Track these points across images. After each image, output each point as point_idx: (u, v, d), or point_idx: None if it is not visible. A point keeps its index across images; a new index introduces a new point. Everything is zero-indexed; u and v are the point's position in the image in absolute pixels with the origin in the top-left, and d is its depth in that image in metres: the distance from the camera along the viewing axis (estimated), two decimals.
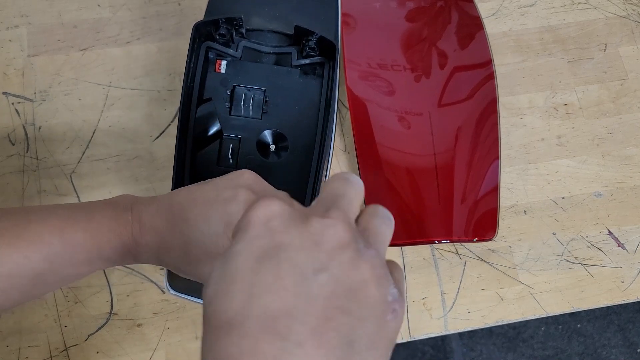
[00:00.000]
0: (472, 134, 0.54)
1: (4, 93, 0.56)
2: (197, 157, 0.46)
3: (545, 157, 0.57)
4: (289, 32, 0.48)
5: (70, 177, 0.54)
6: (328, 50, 0.47)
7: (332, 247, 0.24)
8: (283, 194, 0.30)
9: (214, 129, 0.45)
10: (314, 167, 0.45)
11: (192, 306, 0.50)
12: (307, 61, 0.48)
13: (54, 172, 0.54)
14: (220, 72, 0.47)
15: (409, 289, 0.52)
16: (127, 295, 0.50)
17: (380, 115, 0.54)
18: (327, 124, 0.45)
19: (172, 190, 0.43)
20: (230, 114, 0.47)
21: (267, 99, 0.47)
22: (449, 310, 0.52)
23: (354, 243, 0.24)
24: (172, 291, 0.44)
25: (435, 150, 0.53)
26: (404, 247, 0.53)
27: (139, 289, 0.51)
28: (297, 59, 0.48)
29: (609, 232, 0.55)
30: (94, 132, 0.55)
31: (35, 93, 0.56)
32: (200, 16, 0.48)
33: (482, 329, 1.08)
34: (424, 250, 0.53)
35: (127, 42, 0.58)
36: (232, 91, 0.47)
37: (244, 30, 0.48)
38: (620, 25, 0.62)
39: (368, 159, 0.52)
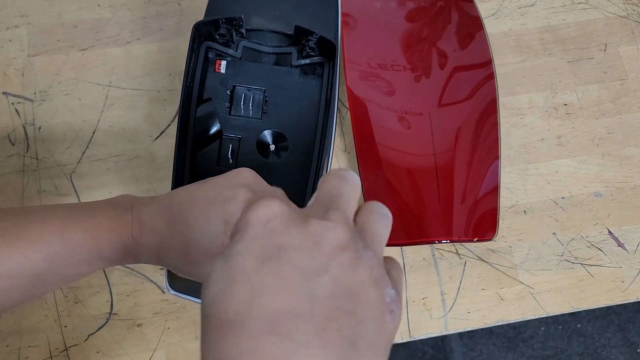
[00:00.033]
0: (472, 134, 0.54)
1: (4, 93, 0.56)
2: (197, 157, 0.46)
3: (545, 157, 0.57)
4: (289, 32, 0.48)
5: (70, 177, 0.54)
6: (328, 50, 0.47)
7: (331, 248, 0.24)
8: (280, 192, 0.30)
9: (214, 129, 0.45)
10: (314, 167, 0.45)
11: (192, 306, 0.50)
12: (307, 61, 0.48)
13: (54, 172, 0.54)
14: (220, 72, 0.47)
15: (409, 289, 0.52)
16: (127, 295, 0.50)
17: (380, 115, 0.54)
18: (327, 124, 0.45)
19: (171, 190, 0.43)
20: (230, 114, 0.47)
21: (267, 99, 0.47)
22: (449, 310, 0.52)
23: (353, 244, 0.24)
24: (172, 291, 0.44)
25: (435, 150, 0.53)
26: (404, 247, 0.53)
27: (139, 289, 0.51)
28: (297, 59, 0.48)
29: (609, 232, 0.55)
30: (94, 132, 0.55)
31: (35, 93, 0.56)
32: (200, 16, 0.48)
33: (482, 329, 1.08)
34: (424, 250, 0.53)
35: (127, 42, 0.58)
36: (232, 91, 0.47)
37: (244, 30, 0.48)
38: (620, 25, 0.62)
39: (368, 159, 0.52)
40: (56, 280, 0.36)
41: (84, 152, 0.54)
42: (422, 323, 0.51)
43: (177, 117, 0.52)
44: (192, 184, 0.37)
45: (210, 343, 0.23)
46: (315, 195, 0.28)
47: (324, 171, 0.45)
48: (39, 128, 0.55)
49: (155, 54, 0.58)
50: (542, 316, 0.52)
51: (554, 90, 0.59)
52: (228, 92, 0.47)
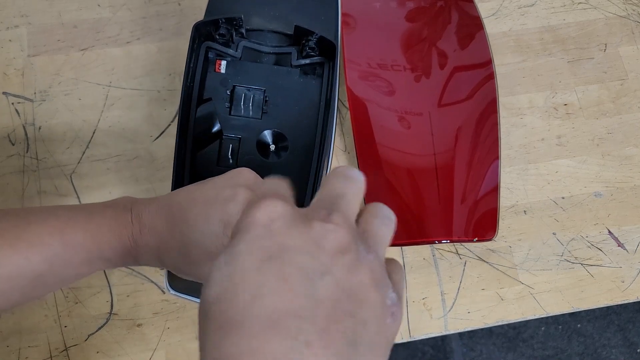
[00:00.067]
0: (472, 134, 0.54)
1: (4, 93, 0.56)
2: (197, 157, 0.46)
3: (545, 157, 0.57)
4: (289, 32, 0.48)
5: (70, 177, 0.54)
6: (328, 50, 0.47)
7: (333, 250, 0.24)
8: (283, 187, 0.28)
9: (214, 129, 0.45)
10: (314, 167, 0.45)
11: (192, 306, 0.50)
12: (307, 61, 0.48)
13: (54, 173, 0.54)
14: (220, 72, 0.47)
15: (409, 289, 0.52)
16: (127, 296, 0.50)
17: (380, 115, 0.54)
18: (327, 124, 0.45)
19: (172, 190, 0.43)
20: (230, 114, 0.47)
21: (267, 99, 0.47)
22: (449, 310, 0.52)
23: (355, 246, 0.24)
24: (172, 291, 0.44)
25: (435, 150, 0.53)
26: (404, 247, 0.53)
27: (139, 289, 0.51)
28: (297, 59, 0.48)
29: (609, 232, 0.55)
30: (94, 132, 0.55)
31: (35, 93, 0.56)
32: (200, 16, 0.48)
33: (482, 329, 1.08)
34: (424, 250, 0.53)
35: (127, 42, 0.58)
36: (232, 91, 0.47)
37: (243, 30, 0.48)
38: (620, 25, 0.62)
39: (368, 159, 0.52)
40: (56, 281, 0.36)
41: (84, 152, 0.54)
42: (422, 323, 0.51)
43: (177, 117, 0.52)
44: (193, 184, 0.37)
45: (210, 343, 0.22)
46: (317, 194, 0.28)
47: (324, 171, 0.45)
48: (39, 128, 0.55)
49: (155, 54, 0.58)
50: (542, 316, 0.52)
51: (554, 90, 0.59)
52: (228, 92, 0.47)
